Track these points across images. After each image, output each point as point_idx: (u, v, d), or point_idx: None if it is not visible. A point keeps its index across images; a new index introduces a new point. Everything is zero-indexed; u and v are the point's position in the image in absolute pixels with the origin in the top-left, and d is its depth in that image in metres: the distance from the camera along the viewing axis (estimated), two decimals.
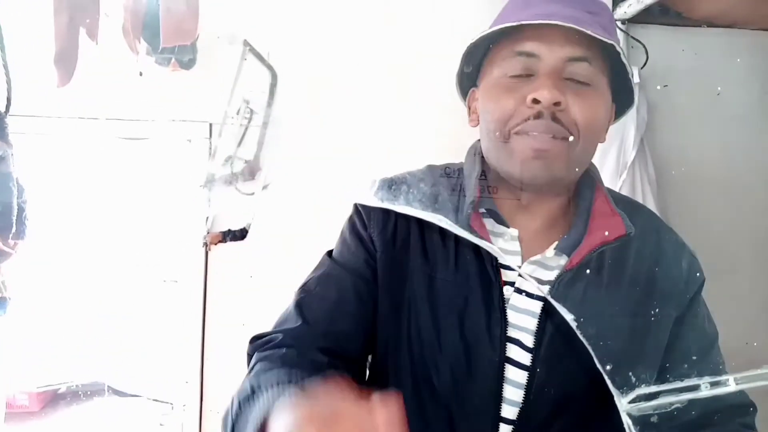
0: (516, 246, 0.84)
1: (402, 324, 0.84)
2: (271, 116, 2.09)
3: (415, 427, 0.78)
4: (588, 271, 0.80)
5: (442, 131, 1.95)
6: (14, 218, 1.58)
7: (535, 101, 0.76)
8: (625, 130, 2.10)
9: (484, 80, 0.85)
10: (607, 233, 0.81)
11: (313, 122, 2.06)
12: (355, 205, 0.92)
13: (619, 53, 0.80)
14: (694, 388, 0.63)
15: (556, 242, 0.83)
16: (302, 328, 0.84)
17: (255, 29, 2.04)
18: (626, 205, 0.89)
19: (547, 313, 0.80)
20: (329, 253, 0.93)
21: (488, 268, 0.81)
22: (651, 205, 2.14)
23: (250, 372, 0.79)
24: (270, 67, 2.09)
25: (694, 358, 0.83)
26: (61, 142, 1.97)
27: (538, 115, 0.77)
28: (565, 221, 0.87)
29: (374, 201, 0.84)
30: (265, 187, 2.06)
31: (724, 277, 2.10)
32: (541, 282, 0.82)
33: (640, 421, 0.59)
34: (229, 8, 2.04)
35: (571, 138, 0.78)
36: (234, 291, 2.02)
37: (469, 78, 0.90)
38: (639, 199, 2.12)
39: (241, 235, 2.08)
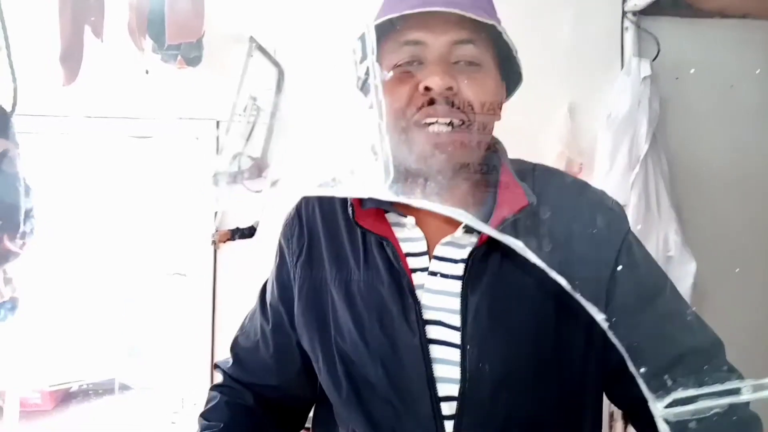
0: (418, 232, 0.86)
1: (329, 338, 0.87)
2: (278, 112, 2.08)
3: (365, 426, 0.84)
4: (499, 244, 0.77)
5: None
6: (21, 218, 1.57)
7: (427, 88, 0.78)
8: (637, 124, 2.07)
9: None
10: (511, 206, 0.82)
11: (320, 118, 2.04)
12: (279, 240, 0.96)
13: (500, 33, 0.82)
14: (735, 391, 0.59)
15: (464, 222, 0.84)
16: (234, 369, 0.99)
17: (261, 25, 2.02)
18: (540, 173, 0.90)
19: (469, 290, 0.81)
20: (263, 287, 1.01)
21: (392, 259, 0.83)
22: (664, 199, 2.11)
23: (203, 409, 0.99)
24: (276, 64, 2.08)
25: (636, 311, 0.82)
26: (68, 141, 1.97)
27: (431, 101, 0.78)
28: (474, 200, 0.87)
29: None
30: (273, 184, 2.05)
31: (737, 272, 2.07)
32: (454, 261, 0.83)
33: (677, 428, 0.57)
34: (234, 5, 2.03)
35: (467, 120, 0.80)
36: (244, 289, 2.01)
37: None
38: (652, 193, 2.09)
39: (249, 233, 2.07)
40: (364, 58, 0.81)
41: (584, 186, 0.92)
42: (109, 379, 4.45)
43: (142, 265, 2.06)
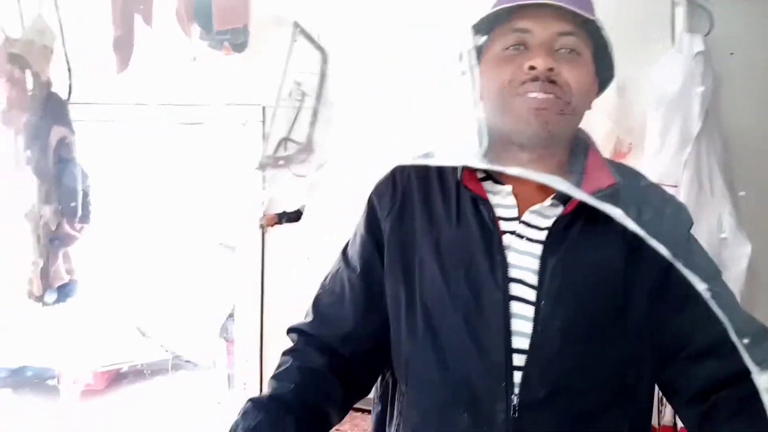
0: (512, 200, 0.94)
1: (414, 287, 0.94)
2: (322, 97, 2.09)
3: (436, 369, 0.91)
4: (581, 217, 0.90)
5: None
6: (79, 203, 1.63)
7: (531, 68, 0.88)
8: (690, 102, 2.01)
9: (486, 55, 0.96)
10: (598, 183, 0.91)
11: (364, 102, 2.04)
12: (368, 198, 1.03)
13: (599, 28, 0.93)
14: None
15: (554, 194, 0.93)
16: (315, 324, 1.01)
17: (305, 10, 2.03)
18: (617, 166, 0.99)
19: (548, 254, 0.90)
20: (345, 247, 1.05)
21: (486, 221, 0.92)
22: (717, 179, 2.05)
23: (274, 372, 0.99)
24: (320, 48, 2.08)
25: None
26: (120, 127, 2.02)
27: (534, 79, 0.88)
28: (564, 173, 0.95)
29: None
30: (318, 168, 2.06)
31: None
32: (539, 228, 0.92)
33: None
34: None
35: (563, 97, 0.89)
36: (292, 274, 2.04)
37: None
38: (705, 173, 2.04)
39: (296, 216, 2.09)
40: (477, 38, 0.96)
41: (658, 185, 1.01)
42: (160, 360, 4.59)
43: (191, 252, 2.11)
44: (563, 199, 0.92)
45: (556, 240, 0.90)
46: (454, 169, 0.97)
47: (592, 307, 0.89)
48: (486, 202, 0.93)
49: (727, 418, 0.85)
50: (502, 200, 0.95)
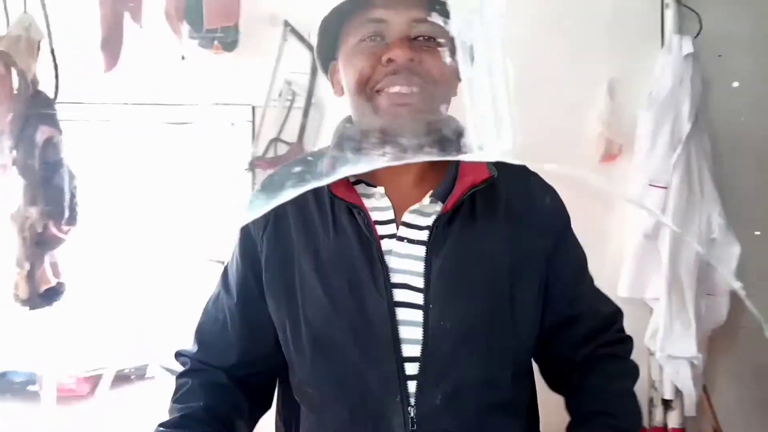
0: (386, 202, 0.92)
1: (297, 306, 0.91)
2: (313, 97, 2.07)
3: (330, 389, 0.89)
4: (461, 213, 0.90)
5: None
6: (66, 204, 1.59)
7: (390, 60, 0.85)
8: (679, 104, 2.03)
9: (342, 50, 0.92)
10: (474, 177, 0.90)
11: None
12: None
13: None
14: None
15: (431, 191, 0.91)
16: (201, 353, 0.98)
17: (296, 9, 2.01)
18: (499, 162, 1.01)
19: (432, 254, 0.88)
20: (224, 271, 1.02)
21: (362, 228, 0.89)
22: (707, 180, 2.07)
23: (174, 396, 0.97)
24: (311, 47, 2.06)
25: (577, 284, 1.00)
26: (106, 127, 1.98)
27: (395, 72, 0.85)
28: (434, 174, 0.94)
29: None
30: None
31: None
32: (420, 228, 0.90)
33: None
34: None
35: (427, 87, 0.85)
36: None
37: (327, 51, 0.96)
38: (695, 174, 2.05)
39: None
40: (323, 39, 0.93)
41: (534, 172, 1.02)
42: (142, 365, 4.53)
43: (179, 251, 2.07)
44: (441, 195, 0.90)
45: (438, 238, 0.88)
46: None
47: (482, 302, 0.89)
48: (359, 208, 0.89)
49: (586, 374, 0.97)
50: (377, 203, 0.92)
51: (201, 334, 1.00)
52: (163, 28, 1.77)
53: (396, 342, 0.86)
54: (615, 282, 2.06)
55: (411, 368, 0.86)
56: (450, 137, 0.91)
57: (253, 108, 2.07)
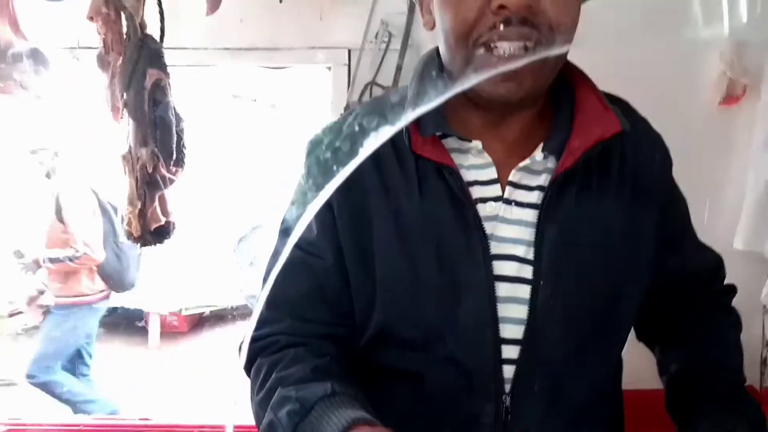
0: (486, 158, 0.78)
1: (374, 273, 0.78)
2: (410, 39, 2.01)
3: (408, 383, 0.78)
4: (580, 171, 0.75)
5: None
6: (174, 146, 1.64)
7: (502, 7, 0.67)
8: None
9: None
10: (603, 130, 0.75)
11: None
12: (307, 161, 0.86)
13: None
14: None
15: (542, 144, 0.77)
16: (290, 324, 0.81)
17: None
18: (614, 101, 0.83)
19: (546, 220, 0.75)
20: (284, 229, 0.85)
21: (454, 189, 0.75)
22: None
23: (267, 377, 0.77)
24: None
25: (680, 237, 0.90)
26: (208, 72, 2.02)
27: (506, 22, 0.68)
28: (542, 124, 0.80)
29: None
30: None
31: None
32: (529, 188, 0.77)
33: None
34: None
35: (545, 42, 0.69)
36: None
37: None
38: None
39: None
40: None
41: (639, 116, 0.88)
42: (241, 305, 4.76)
43: (280, 194, 2.11)
44: (556, 150, 0.76)
45: (553, 201, 0.75)
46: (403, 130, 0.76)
47: (599, 281, 0.77)
48: (450, 168, 0.75)
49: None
50: (474, 160, 0.78)
51: (282, 306, 0.81)
52: None
53: (494, 321, 0.75)
54: (730, 233, 1.93)
55: (509, 351, 0.76)
56: (561, 92, 0.80)
57: (349, 51, 2.04)
